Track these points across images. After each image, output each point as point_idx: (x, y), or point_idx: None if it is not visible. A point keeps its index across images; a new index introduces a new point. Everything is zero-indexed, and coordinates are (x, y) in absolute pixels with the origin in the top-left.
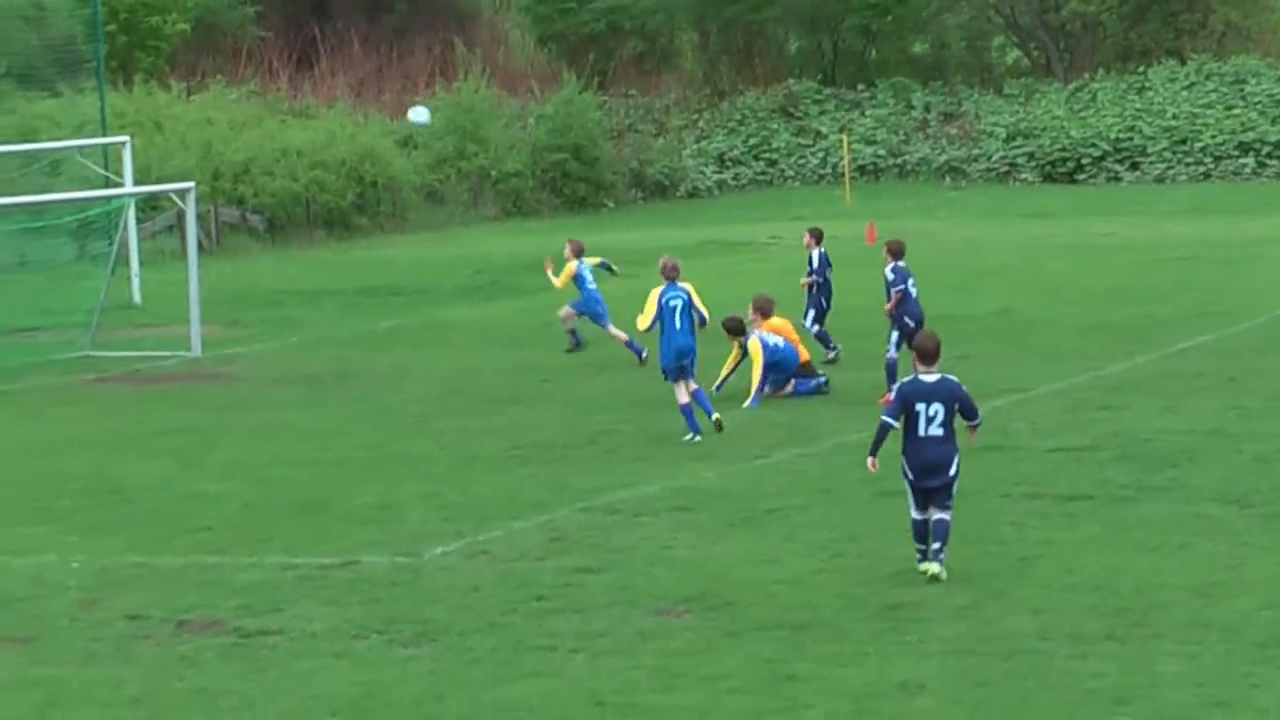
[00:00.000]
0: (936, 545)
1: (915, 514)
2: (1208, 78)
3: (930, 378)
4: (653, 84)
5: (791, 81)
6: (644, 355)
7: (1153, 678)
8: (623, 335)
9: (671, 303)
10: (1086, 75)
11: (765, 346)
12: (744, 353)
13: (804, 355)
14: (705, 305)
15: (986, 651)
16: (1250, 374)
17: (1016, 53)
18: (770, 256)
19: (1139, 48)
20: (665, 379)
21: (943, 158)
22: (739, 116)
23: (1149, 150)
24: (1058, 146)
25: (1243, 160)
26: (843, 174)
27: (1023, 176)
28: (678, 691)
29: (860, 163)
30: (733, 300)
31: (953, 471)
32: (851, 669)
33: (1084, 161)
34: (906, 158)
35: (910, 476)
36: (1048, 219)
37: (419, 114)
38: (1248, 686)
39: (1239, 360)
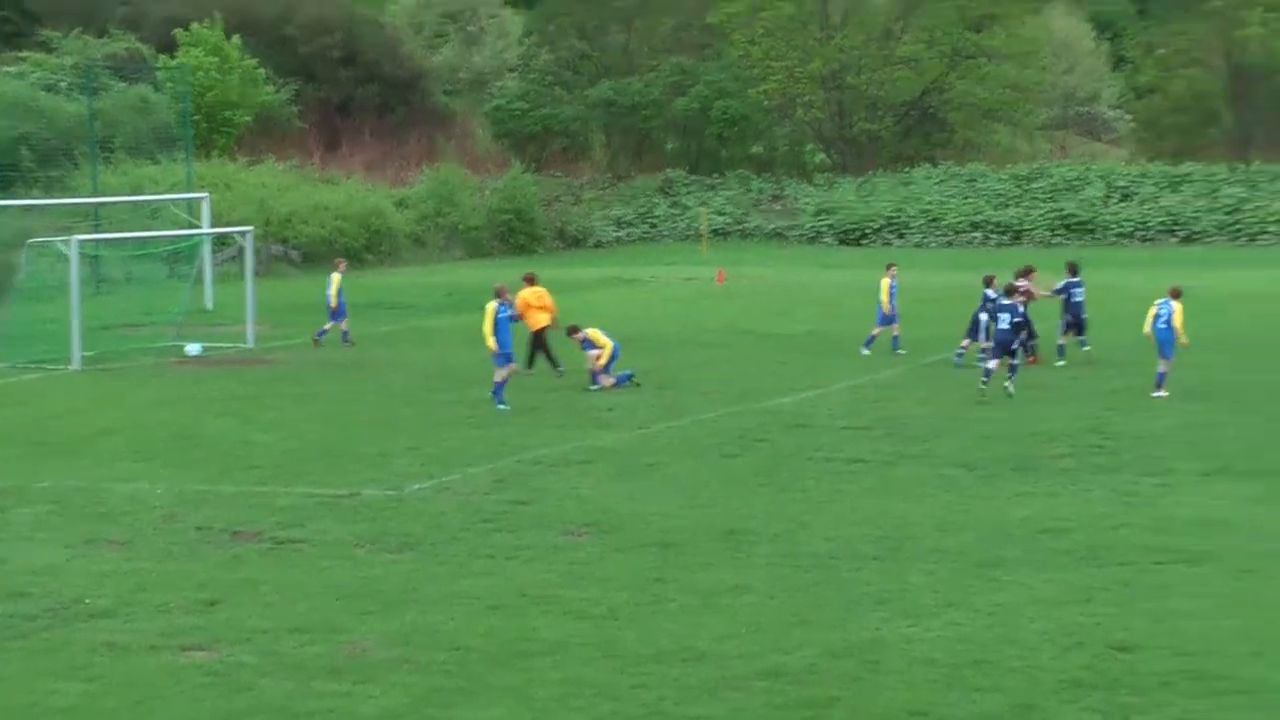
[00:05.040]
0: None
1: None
2: (952, 176)
3: (1006, 301)
4: (573, 169)
5: (668, 170)
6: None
7: (905, 585)
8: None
9: (501, 315)
10: (870, 172)
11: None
12: (590, 346)
13: (604, 357)
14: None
15: (794, 565)
16: (972, 378)
17: (822, 155)
18: (650, 288)
19: (906, 154)
20: (504, 363)
21: (771, 226)
22: (631, 193)
23: (912, 225)
24: (850, 220)
25: (974, 234)
26: (702, 235)
27: (825, 240)
28: (579, 588)
29: (714, 227)
30: (627, 315)
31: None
32: (701, 575)
33: (868, 230)
34: (746, 225)
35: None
36: (843, 270)
37: (193, 348)
38: (967, 593)
39: (967, 368)
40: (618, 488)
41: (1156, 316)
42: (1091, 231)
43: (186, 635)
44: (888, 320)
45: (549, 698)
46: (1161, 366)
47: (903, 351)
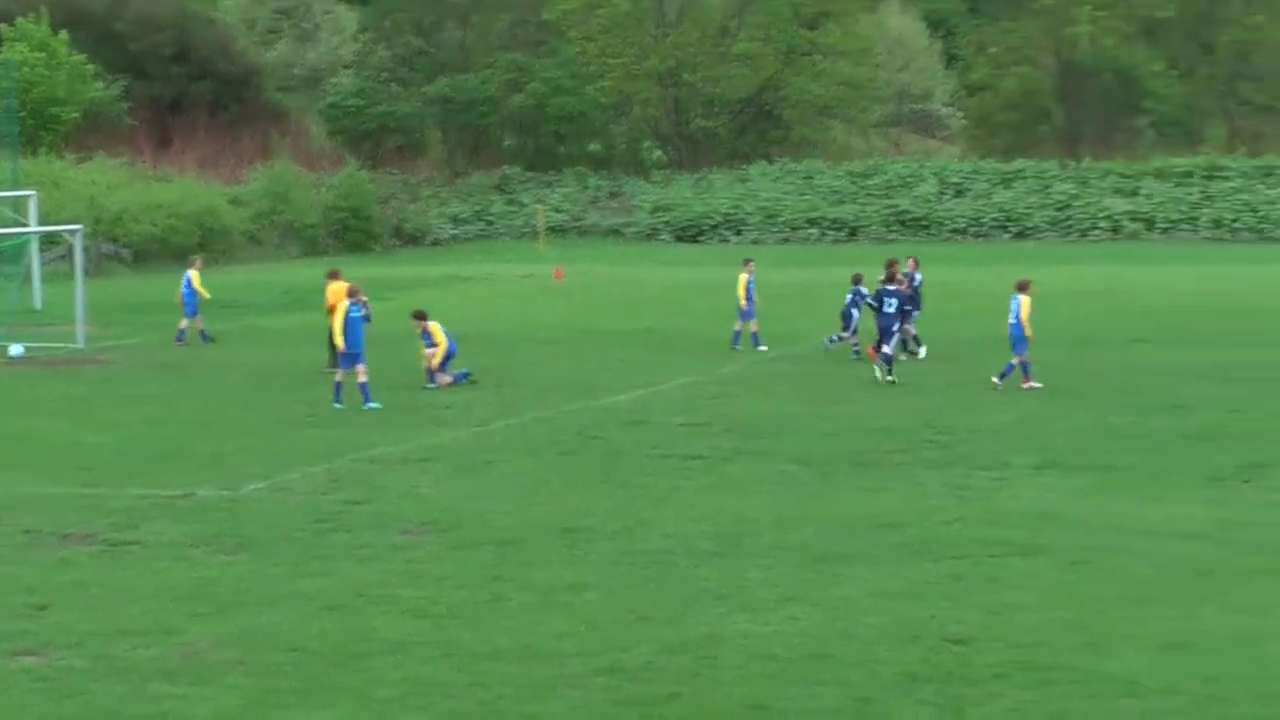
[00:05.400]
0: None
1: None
2: (788, 174)
3: (891, 286)
4: (410, 166)
5: (505, 167)
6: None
7: (743, 581)
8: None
9: (353, 314)
10: (707, 169)
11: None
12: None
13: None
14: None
15: (632, 562)
16: (816, 375)
17: (660, 152)
18: (488, 286)
19: (743, 151)
20: (344, 364)
21: (608, 223)
22: (468, 190)
23: (749, 222)
24: (686, 217)
25: (811, 230)
26: (539, 232)
27: (662, 237)
28: (417, 586)
29: (552, 224)
30: (465, 313)
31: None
32: (539, 572)
33: (704, 228)
34: (583, 222)
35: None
36: (680, 267)
37: (16, 349)
38: (805, 588)
39: (809, 365)
40: (456, 486)
41: (1011, 312)
42: (926, 228)
43: (14, 640)
44: (748, 315)
45: (387, 697)
46: (1013, 359)
47: (765, 348)
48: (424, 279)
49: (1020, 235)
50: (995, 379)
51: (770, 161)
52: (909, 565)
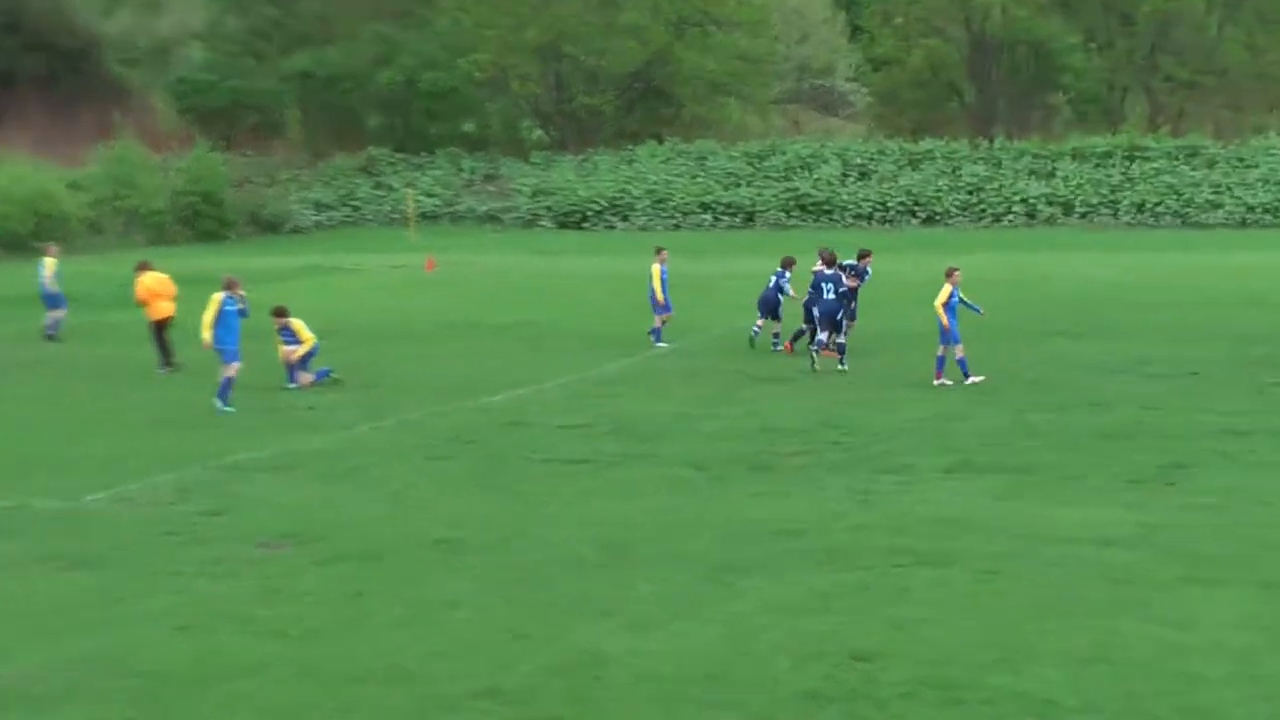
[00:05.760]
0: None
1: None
2: (679, 155)
3: (829, 271)
4: (267, 147)
5: (372, 148)
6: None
7: (631, 595)
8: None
9: (228, 308)
10: (591, 150)
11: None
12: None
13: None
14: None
15: (510, 575)
16: (709, 371)
17: (540, 131)
18: (353, 277)
19: (630, 130)
20: (232, 359)
21: (484, 208)
22: (331, 173)
23: (636, 207)
24: (569, 202)
25: (704, 215)
26: (409, 218)
27: (543, 224)
28: (276, 605)
29: (423, 210)
30: (329, 307)
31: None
32: (409, 588)
33: (588, 214)
34: (457, 207)
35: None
36: (561, 256)
37: None
38: (699, 602)
39: (701, 361)
40: (318, 495)
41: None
42: (828, 213)
43: None
44: (663, 309)
45: None
46: (947, 351)
47: (663, 345)
48: (283, 270)
49: (929, 221)
50: (969, 379)
51: (660, 142)
52: (810, 576)
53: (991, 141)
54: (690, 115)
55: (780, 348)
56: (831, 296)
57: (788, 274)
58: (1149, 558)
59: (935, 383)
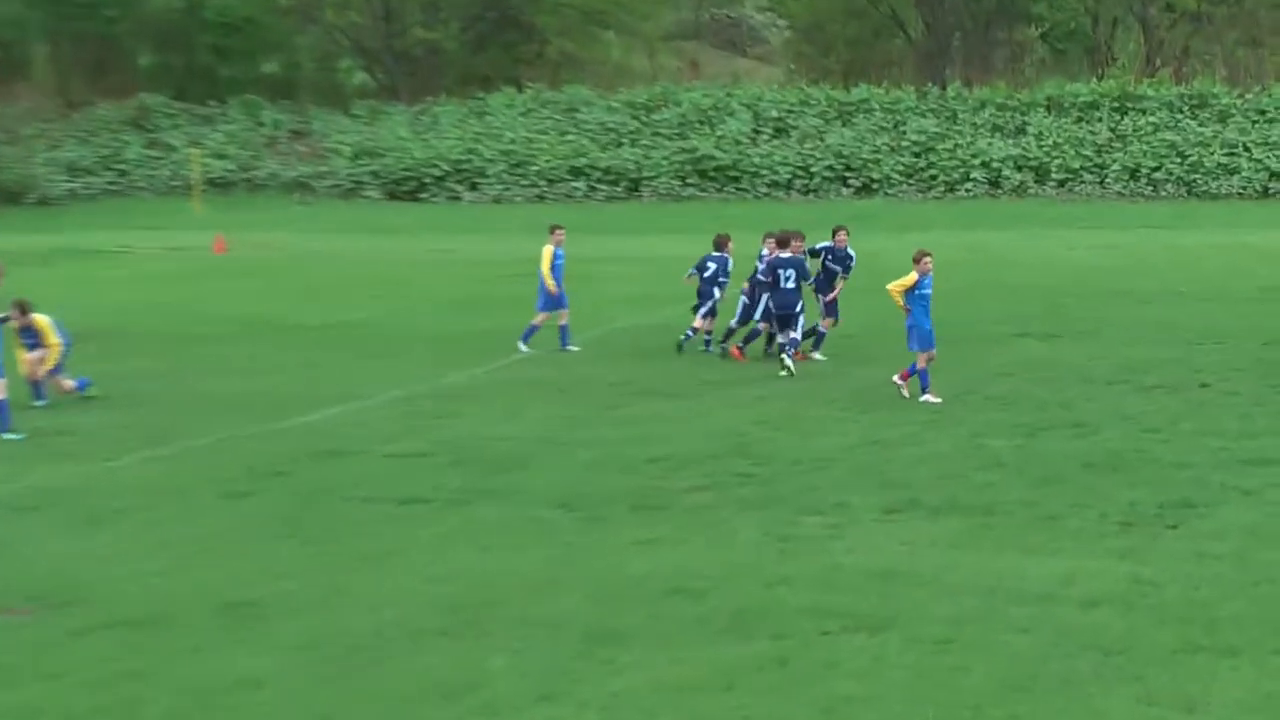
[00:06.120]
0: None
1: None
2: (544, 105)
3: (785, 255)
4: (5, 93)
5: (144, 95)
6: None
7: (483, 672)
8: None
9: None
10: (430, 99)
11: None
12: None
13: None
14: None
15: (326, 647)
16: (583, 383)
17: (364, 74)
18: (121, 263)
19: (480, 74)
20: None
21: (292, 174)
22: (90, 127)
23: (488, 172)
24: (401, 166)
25: (576, 184)
26: (194, 187)
27: (368, 194)
28: (18, 689)
29: (211, 176)
30: (88, 302)
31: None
32: (194, 665)
33: (426, 181)
34: (257, 173)
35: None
36: (393, 235)
37: None
38: (570, 680)
39: (570, 370)
40: (75, 544)
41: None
42: (735, 179)
43: None
44: (555, 304)
45: None
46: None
47: (575, 348)
48: (26, 253)
49: (864, 190)
50: (923, 397)
51: (519, 89)
52: (711, 647)
53: (944, 88)
54: (557, 53)
55: (712, 350)
56: (790, 285)
57: (721, 257)
58: (1145, 621)
59: (922, 399)
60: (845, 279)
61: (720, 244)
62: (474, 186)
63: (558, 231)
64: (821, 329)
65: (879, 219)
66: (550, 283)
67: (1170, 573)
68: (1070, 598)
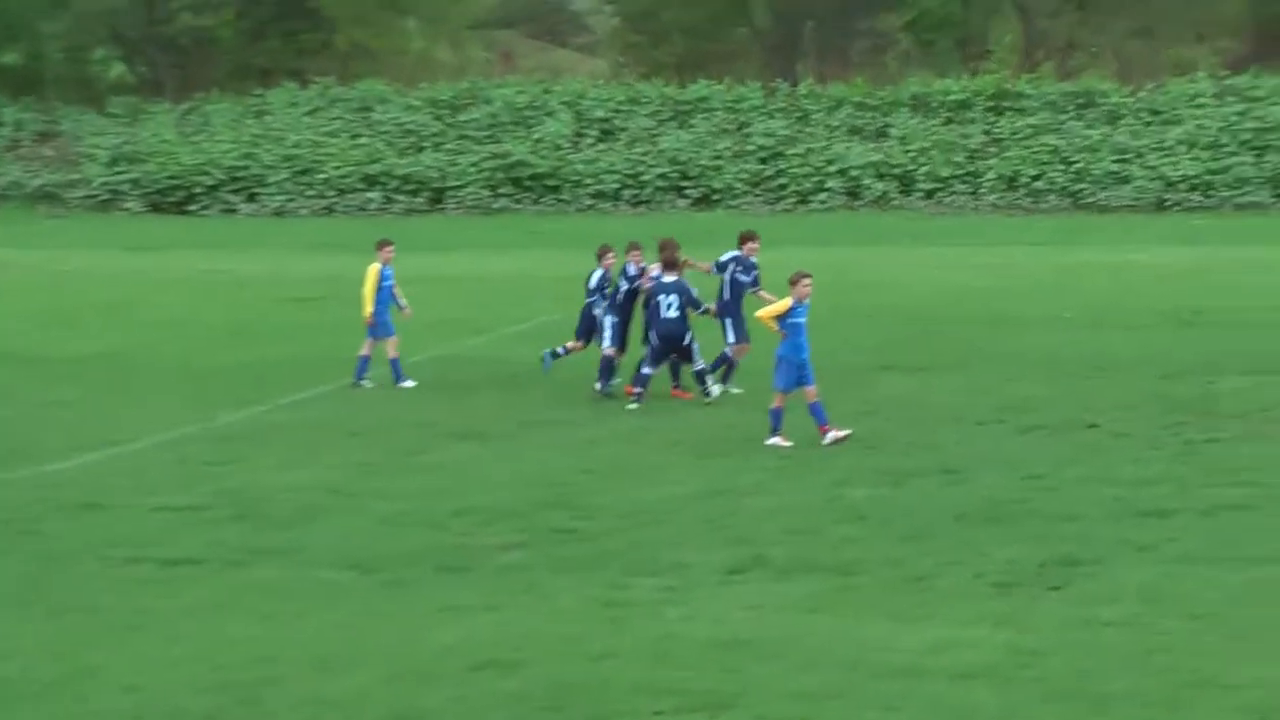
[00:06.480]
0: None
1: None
2: (333, 103)
3: (669, 278)
4: None
5: None
6: None
7: None
8: None
9: None
10: (200, 95)
11: None
12: None
13: None
14: None
15: None
16: (381, 424)
17: (122, 67)
18: None
19: (259, 66)
20: None
21: (38, 181)
22: None
23: (269, 180)
24: (166, 174)
25: (369, 194)
26: None
27: (128, 205)
28: None
29: None
30: None
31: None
32: None
33: (196, 191)
34: None
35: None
36: (157, 252)
37: None
38: None
39: (371, 409)
40: None
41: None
42: (555, 189)
43: None
44: (382, 332)
45: None
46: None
47: (411, 382)
48: None
49: (703, 201)
50: (833, 433)
51: (303, 84)
52: None
53: (795, 85)
54: (347, 44)
55: (606, 389)
56: (673, 314)
57: (606, 272)
58: (1025, 696)
59: (768, 442)
60: (755, 292)
61: (599, 255)
62: (252, 197)
63: (386, 248)
64: (729, 355)
65: (720, 235)
66: (368, 308)
67: (1053, 641)
68: (941, 670)
